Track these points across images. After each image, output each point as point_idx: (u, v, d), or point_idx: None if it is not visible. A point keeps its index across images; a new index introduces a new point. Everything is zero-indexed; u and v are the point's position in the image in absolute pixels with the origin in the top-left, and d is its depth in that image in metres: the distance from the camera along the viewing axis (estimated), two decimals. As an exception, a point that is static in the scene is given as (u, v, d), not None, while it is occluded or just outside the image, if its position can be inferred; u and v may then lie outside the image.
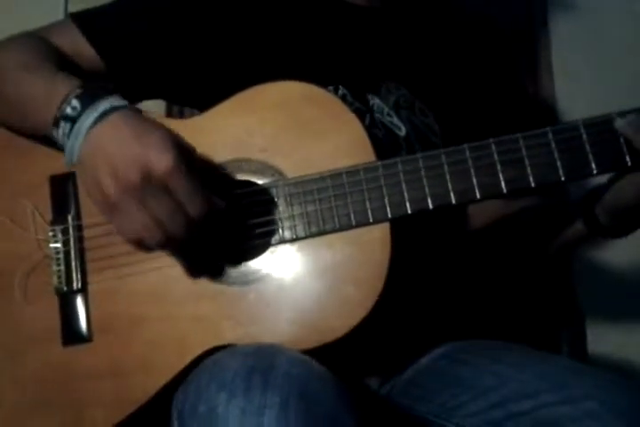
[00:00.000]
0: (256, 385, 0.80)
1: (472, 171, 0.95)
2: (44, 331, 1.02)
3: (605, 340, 1.57)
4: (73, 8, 1.49)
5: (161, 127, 0.92)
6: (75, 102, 0.95)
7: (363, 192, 0.97)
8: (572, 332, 1.50)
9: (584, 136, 0.93)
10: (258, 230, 1.01)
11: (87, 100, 0.95)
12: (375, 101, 1.14)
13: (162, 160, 0.88)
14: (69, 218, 1.04)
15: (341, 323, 0.94)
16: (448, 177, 0.95)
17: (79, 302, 1.03)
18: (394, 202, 0.96)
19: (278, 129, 1.01)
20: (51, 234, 1.05)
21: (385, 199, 0.96)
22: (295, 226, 0.98)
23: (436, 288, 1.13)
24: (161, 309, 0.99)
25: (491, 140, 0.95)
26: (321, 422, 0.81)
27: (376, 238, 0.96)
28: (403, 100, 1.16)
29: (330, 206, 0.97)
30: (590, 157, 0.93)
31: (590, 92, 1.64)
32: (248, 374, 0.82)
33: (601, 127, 0.93)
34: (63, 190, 1.06)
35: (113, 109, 0.93)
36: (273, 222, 1.00)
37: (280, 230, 0.98)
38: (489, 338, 1.13)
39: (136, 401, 0.97)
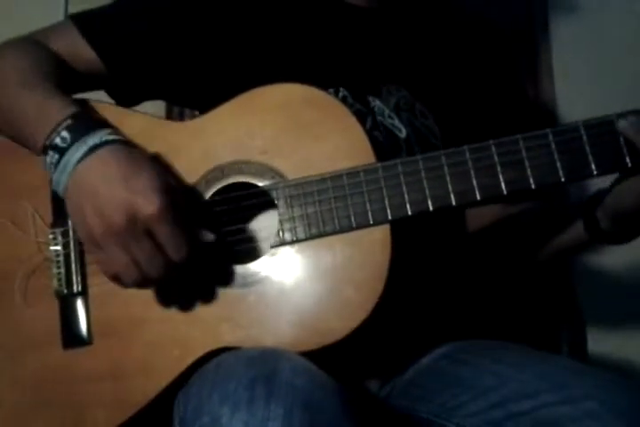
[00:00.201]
0: (259, 396, 0.80)
1: (472, 172, 0.94)
2: (45, 334, 1.02)
3: (605, 340, 1.57)
4: (73, 8, 1.49)
5: (149, 168, 0.94)
6: (64, 133, 0.95)
7: (363, 194, 0.96)
8: (572, 332, 1.50)
9: (584, 137, 0.93)
10: (258, 232, 1.01)
11: (77, 132, 0.95)
12: (376, 103, 1.14)
13: (148, 206, 0.90)
14: (69, 221, 1.04)
15: (342, 325, 0.94)
16: (448, 178, 0.95)
17: (79, 304, 1.03)
18: (394, 204, 0.96)
19: (279, 131, 1.01)
20: (51, 237, 1.05)
21: (385, 201, 0.96)
22: (295, 228, 0.98)
23: (436, 289, 1.13)
24: (161, 311, 0.99)
25: (491, 141, 0.95)
26: None
27: (376, 240, 0.96)
28: (403, 102, 1.16)
29: (330, 208, 0.97)
30: (590, 158, 0.92)
31: (590, 93, 1.64)
32: (251, 383, 0.82)
33: (601, 129, 0.93)
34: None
35: (103, 144, 0.94)
36: (273, 224, 1.00)
37: (280, 232, 0.98)
38: (489, 338, 1.13)
39: (137, 403, 0.97)
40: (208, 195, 1.01)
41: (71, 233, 1.04)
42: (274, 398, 0.80)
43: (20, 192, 1.07)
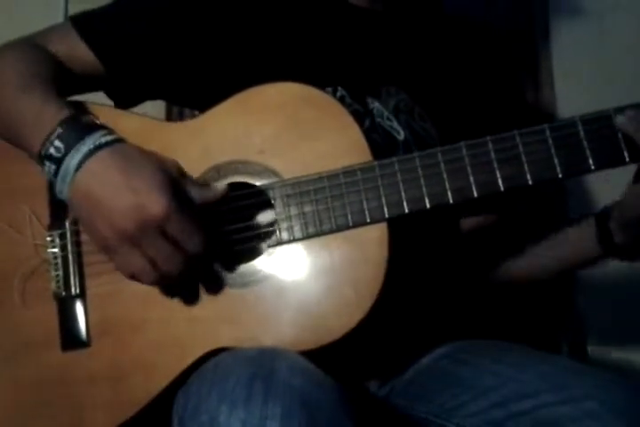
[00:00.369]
0: (257, 395, 0.80)
1: (469, 169, 0.94)
2: (43, 336, 1.02)
3: (605, 340, 1.57)
4: (73, 9, 1.49)
5: (148, 163, 0.93)
6: (57, 143, 0.95)
7: (360, 192, 0.96)
8: (572, 332, 1.50)
9: (581, 133, 0.93)
10: (255, 232, 1.01)
11: (69, 140, 0.94)
12: (375, 105, 1.14)
13: (154, 206, 0.90)
14: (67, 223, 1.04)
15: (340, 324, 0.94)
16: (445, 175, 0.95)
17: (78, 306, 1.03)
18: (391, 202, 0.96)
19: (276, 130, 1.01)
20: (48, 239, 1.05)
21: (382, 199, 0.96)
22: (292, 227, 0.98)
23: (435, 288, 1.13)
24: (160, 311, 0.99)
25: (488, 137, 0.95)
26: None
27: (374, 238, 0.96)
28: (402, 105, 1.16)
29: (327, 207, 0.97)
30: (588, 152, 0.92)
31: (591, 95, 1.64)
32: (249, 382, 0.82)
33: (598, 123, 0.93)
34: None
35: (96, 149, 0.93)
36: (270, 224, 1.00)
37: (277, 232, 0.98)
38: (489, 338, 1.12)
39: (137, 404, 0.97)
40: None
41: (68, 235, 1.04)
42: (271, 397, 0.80)
43: (17, 195, 1.07)
